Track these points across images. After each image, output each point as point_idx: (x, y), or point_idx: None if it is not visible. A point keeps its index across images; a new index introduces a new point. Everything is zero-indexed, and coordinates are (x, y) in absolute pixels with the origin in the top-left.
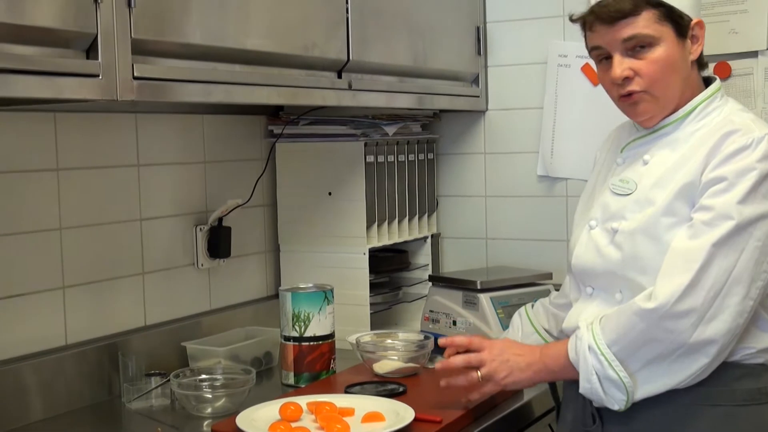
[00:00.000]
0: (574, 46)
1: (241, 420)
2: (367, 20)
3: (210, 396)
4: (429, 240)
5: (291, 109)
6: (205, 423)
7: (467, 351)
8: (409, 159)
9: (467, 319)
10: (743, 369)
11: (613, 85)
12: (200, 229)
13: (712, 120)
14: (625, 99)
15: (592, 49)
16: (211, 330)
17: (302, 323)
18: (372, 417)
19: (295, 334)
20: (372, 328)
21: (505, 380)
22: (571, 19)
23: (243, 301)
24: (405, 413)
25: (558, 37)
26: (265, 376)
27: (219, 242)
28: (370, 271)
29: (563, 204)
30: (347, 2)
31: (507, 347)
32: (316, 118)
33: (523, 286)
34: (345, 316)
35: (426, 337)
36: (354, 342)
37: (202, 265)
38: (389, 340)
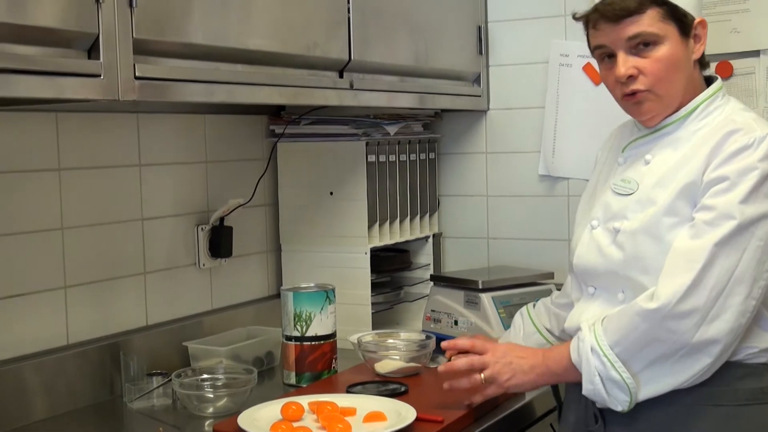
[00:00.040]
0: (576, 45)
1: (242, 420)
2: (369, 20)
3: (211, 396)
4: (430, 239)
5: (292, 109)
6: (207, 423)
7: (469, 353)
8: (411, 158)
9: (469, 318)
10: (746, 368)
11: (616, 83)
12: (202, 228)
13: (714, 119)
14: (628, 98)
15: (595, 48)
16: (213, 330)
17: (304, 323)
18: (373, 417)
19: (297, 334)
20: (373, 328)
21: (508, 383)
22: (575, 18)
23: (244, 300)
24: (407, 413)
25: (559, 36)
26: (266, 376)
27: (220, 242)
28: (372, 271)
29: (565, 203)
30: (349, 2)
31: (510, 350)
32: (317, 117)
33: (524, 286)
34: (346, 316)
35: (428, 337)
36: (355, 342)
37: (203, 264)
38: (391, 340)
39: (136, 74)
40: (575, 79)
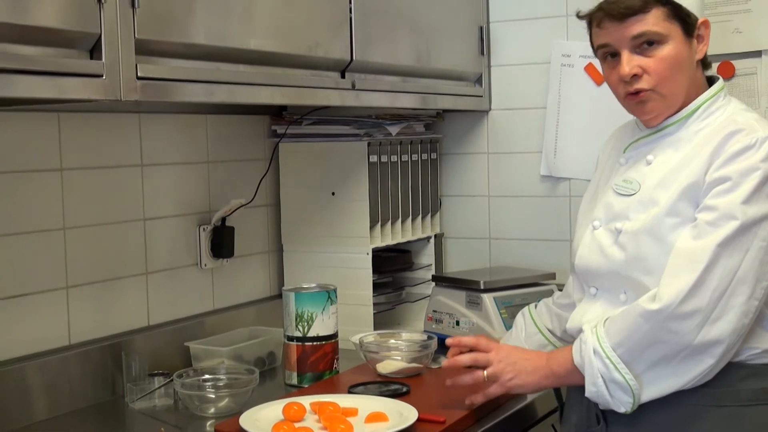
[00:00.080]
0: (578, 45)
1: (244, 420)
2: (371, 20)
3: (213, 396)
4: (432, 240)
5: (294, 109)
6: (209, 423)
7: (473, 352)
8: (413, 159)
9: (470, 319)
10: (748, 369)
11: (619, 82)
12: (203, 229)
13: (716, 120)
14: (632, 97)
15: (598, 47)
16: (215, 330)
17: (305, 323)
18: (375, 417)
19: (299, 334)
20: (375, 328)
21: (510, 382)
22: (578, 16)
23: (246, 301)
24: (408, 413)
25: (561, 36)
26: (268, 376)
27: (222, 242)
28: (374, 271)
29: (566, 204)
30: (350, 2)
31: (514, 350)
32: (319, 118)
33: (526, 286)
34: (348, 316)
35: (429, 337)
36: (357, 342)
37: (205, 265)
38: (392, 340)
39: (138, 74)
40: (577, 80)
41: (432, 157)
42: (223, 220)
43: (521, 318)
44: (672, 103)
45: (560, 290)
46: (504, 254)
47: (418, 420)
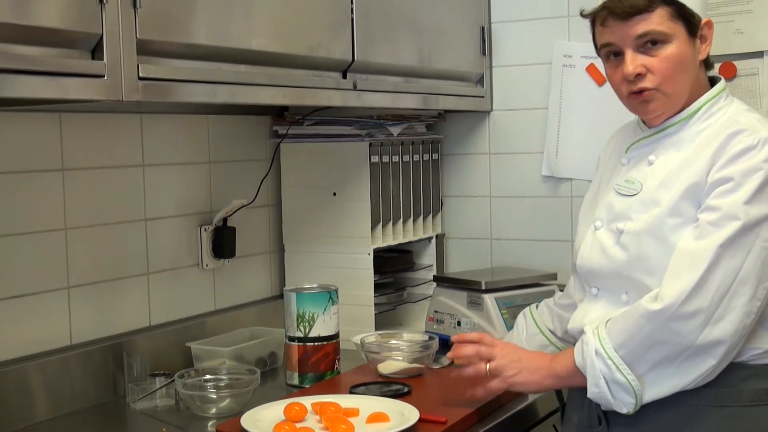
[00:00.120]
0: (579, 46)
1: (245, 420)
2: (372, 21)
3: (214, 396)
4: (434, 240)
5: (296, 110)
6: (210, 423)
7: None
8: (414, 159)
9: (472, 319)
10: (750, 369)
11: (623, 81)
12: (205, 229)
13: (718, 120)
14: (635, 96)
15: (602, 46)
16: (216, 330)
17: (307, 323)
18: (377, 417)
19: (300, 335)
20: (376, 329)
21: (512, 378)
22: (582, 15)
23: (247, 301)
24: (410, 414)
25: (563, 37)
26: (269, 377)
27: (224, 242)
28: (375, 272)
29: (568, 204)
30: (352, 3)
31: (518, 348)
32: (320, 118)
33: (527, 287)
34: (349, 317)
35: (431, 338)
36: (358, 342)
37: (206, 265)
38: (394, 341)
39: (140, 75)
40: (578, 80)
41: (433, 157)
42: (225, 220)
43: (522, 318)
44: (675, 102)
45: (561, 291)
46: (505, 255)
47: (420, 420)
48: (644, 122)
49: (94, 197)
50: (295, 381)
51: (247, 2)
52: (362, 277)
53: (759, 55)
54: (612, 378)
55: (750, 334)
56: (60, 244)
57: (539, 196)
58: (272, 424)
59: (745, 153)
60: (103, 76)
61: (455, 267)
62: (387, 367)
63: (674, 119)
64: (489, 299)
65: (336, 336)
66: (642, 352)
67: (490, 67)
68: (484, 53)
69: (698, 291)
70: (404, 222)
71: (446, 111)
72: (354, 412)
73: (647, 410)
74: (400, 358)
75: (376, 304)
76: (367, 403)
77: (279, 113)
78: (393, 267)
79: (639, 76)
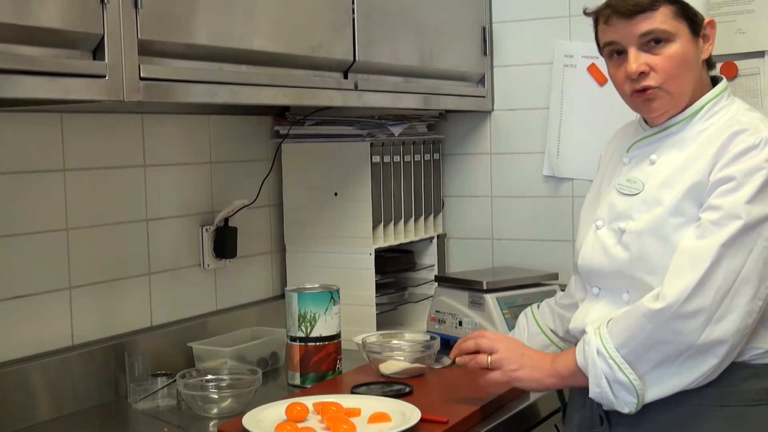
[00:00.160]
0: (580, 46)
1: (247, 420)
2: (373, 21)
3: (216, 396)
4: (435, 240)
5: (297, 110)
6: (212, 423)
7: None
8: (415, 159)
9: (473, 319)
10: (752, 369)
11: (626, 80)
12: (206, 229)
13: (719, 119)
14: (638, 95)
15: (605, 45)
16: (217, 330)
17: (308, 324)
18: (378, 417)
19: (301, 335)
20: (378, 329)
21: (513, 373)
22: (585, 13)
23: (249, 301)
24: (411, 414)
25: (564, 37)
26: (271, 377)
27: (225, 243)
28: (376, 272)
29: (569, 204)
30: (353, 3)
31: (522, 344)
32: (322, 118)
33: (529, 287)
34: (351, 317)
35: (432, 338)
36: (360, 342)
37: (208, 265)
38: (395, 341)
39: (141, 75)
40: (579, 80)
41: (435, 157)
42: (226, 220)
43: (524, 318)
44: (678, 101)
45: (563, 290)
46: (507, 254)
47: (421, 420)
48: (646, 121)
49: (95, 197)
50: (297, 381)
51: (248, 2)
52: (364, 277)
53: (760, 54)
54: (614, 378)
55: (751, 333)
56: (61, 244)
57: (540, 196)
58: (274, 424)
59: (747, 152)
60: (105, 77)
61: (456, 267)
62: (388, 367)
63: (676, 118)
64: (490, 299)
65: (337, 336)
66: (643, 351)
67: (491, 67)
68: (485, 53)
69: (700, 290)
70: (405, 222)
71: (447, 111)
72: (355, 412)
73: (649, 410)
74: (402, 358)
75: (377, 304)
76: (369, 403)
77: (280, 113)
78: (394, 267)
79: (642, 75)
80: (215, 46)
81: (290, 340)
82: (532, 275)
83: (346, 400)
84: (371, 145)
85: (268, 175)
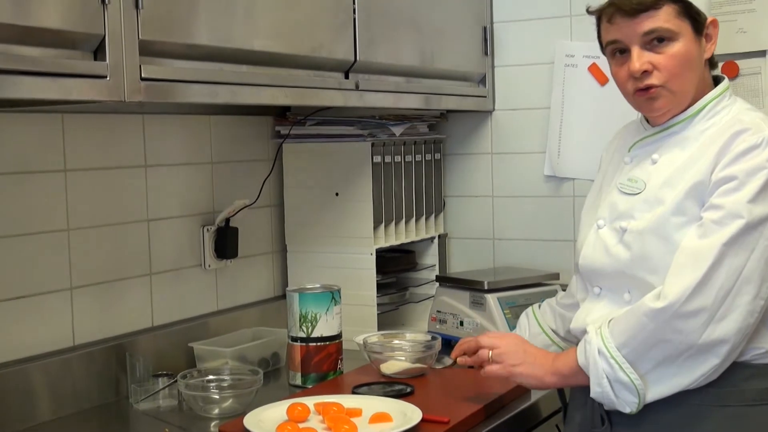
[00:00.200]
0: (581, 45)
1: (248, 421)
2: (374, 21)
3: (217, 397)
4: (436, 240)
5: (298, 110)
6: (213, 424)
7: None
8: (416, 159)
9: (474, 319)
10: (753, 369)
11: (628, 79)
12: (207, 229)
13: (721, 119)
14: (641, 93)
15: (608, 43)
16: (219, 331)
17: (309, 324)
18: (379, 418)
19: (303, 335)
20: (379, 329)
21: (515, 368)
22: (589, 12)
23: (250, 301)
24: (412, 414)
25: (565, 37)
26: (272, 377)
27: (226, 243)
28: (377, 272)
29: (570, 204)
30: (354, 3)
31: (525, 341)
32: (323, 118)
33: (530, 287)
34: (352, 317)
35: (433, 338)
36: (361, 342)
37: (209, 265)
38: (396, 341)
39: (142, 75)
40: (581, 80)
41: (436, 157)
42: (227, 220)
43: (525, 318)
44: (681, 100)
45: (564, 290)
46: (508, 254)
47: (423, 420)
48: (647, 121)
49: (96, 198)
50: (298, 381)
51: (249, 3)
52: (365, 277)
53: (761, 54)
54: (615, 377)
55: (753, 333)
56: (62, 244)
57: (541, 196)
58: (275, 425)
59: (749, 152)
60: (106, 77)
61: (457, 267)
62: (390, 367)
63: (678, 118)
64: (491, 299)
65: (338, 336)
66: (644, 350)
67: (492, 66)
68: (486, 53)
69: (701, 289)
70: (406, 222)
71: (448, 111)
72: (357, 413)
73: (650, 410)
74: (403, 358)
75: (378, 305)
76: (370, 404)
77: (281, 113)
78: (395, 267)
79: (645, 73)
80: (216, 46)
81: (291, 341)
82: (533, 275)
83: (348, 401)
84: (372, 145)
85: (269, 175)
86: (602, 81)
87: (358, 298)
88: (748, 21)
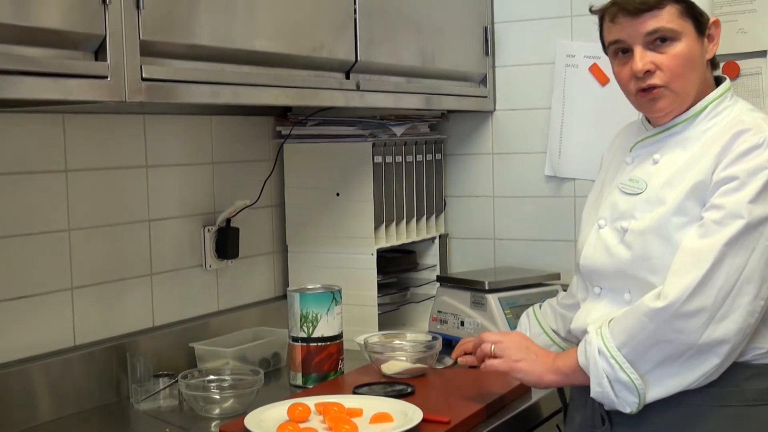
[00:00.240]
0: (582, 46)
1: (249, 421)
2: (375, 21)
3: (218, 397)
4: (437, 240)
5: (299, 110)
6: (213, 424)
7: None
8: (417, 159)
9: (475, 319)
10: (753, 369)
11: (631, 78)
12: (208, 230)
13: (723, 119)
14: (644, 94)
15: (610, 43)
16: (219, 331)
17: (310, 324)
18: (380, 418)
19: (303, 335)
20: (380, 329)
21: (516, 363)
22: (591, 11)
23: (251, 301)
24: (413, 414)
25: (566, 37)
26: (273, 377)
27: (227, 243)
28: (378, 272)
29: (571, 204)
30: (355, 3)
31: (528, 339)
32: (323, 118)
33: (530, 287)
34: (353, 317)
35: (434, 338)
36: (362, 342)
37: (210, 266)
38: (397, 341)
39: (143, 76)
40: (581, 80)
41: (436, 157)
42: (228, 221)
43: (526, 318)
44: (683, 100)
45: (565, 290)
46: (508, 255)
47: (423, 420)
48: (649, 121)
49: (97, 198)
50: (299, 381)
51: (249, 3)
52: (365, 277)
53: (762, 54)
54: (615, 377)
55: (753, 333)
56: (63, 245)
57: (542, 196)
58: (276, 425)
59: (751, 152)
60: (107, 77)
61: (458, 267)
62: (390, 368)
63: (680, 118)
64: (492, 299)
65: (339, 336)
66: (644, 350)
67: (493, 67)
68: (486, 53)
69: (702, 289)
70: (407, 222)
71: (449, 111)
72: (357, 413)
73: (650, 410)
74: (404, 358)
75: (379, 305)
76: (371, 404)
77: (282, 114)
78: (396, 267)
79: (648, 73)
80: (217, 46)
81: (292, 341)
82: (534, 275)
83: (348, 401)
84: (373, 145)
85: (270, 175)
86: (603, 81)
87: (358, 298)
88: (749, 21)
